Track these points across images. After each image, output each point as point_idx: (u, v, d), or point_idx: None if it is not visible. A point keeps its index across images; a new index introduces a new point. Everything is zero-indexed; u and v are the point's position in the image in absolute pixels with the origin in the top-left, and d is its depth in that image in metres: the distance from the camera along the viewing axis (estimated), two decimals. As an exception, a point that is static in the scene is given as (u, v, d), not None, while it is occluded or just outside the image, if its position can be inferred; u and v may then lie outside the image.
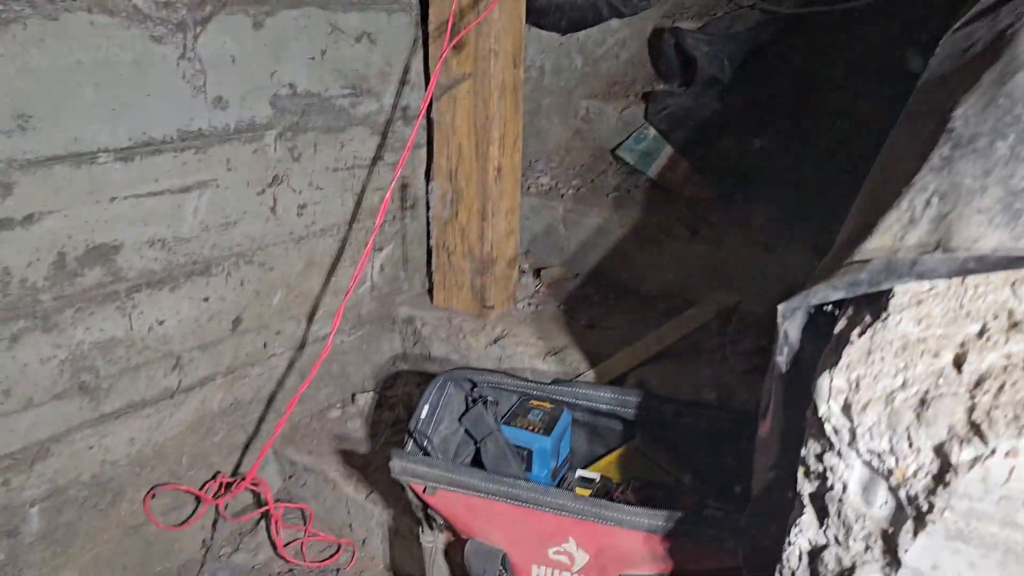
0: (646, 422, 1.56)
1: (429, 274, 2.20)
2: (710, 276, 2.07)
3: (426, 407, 1.55)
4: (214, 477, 1.84)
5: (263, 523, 1.91)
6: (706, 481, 1.49)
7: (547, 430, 1.56)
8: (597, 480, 1.57)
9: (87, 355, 1.54)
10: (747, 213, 2.19)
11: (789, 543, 0.81)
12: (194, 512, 1.81)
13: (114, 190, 1.52)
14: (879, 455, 0.71)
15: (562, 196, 2.39)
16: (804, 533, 0.80)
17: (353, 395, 2.13)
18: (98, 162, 1.49)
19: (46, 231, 1.44)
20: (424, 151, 2.14)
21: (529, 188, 2.44)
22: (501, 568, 1.34)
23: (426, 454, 1.48)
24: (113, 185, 1.52)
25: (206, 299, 1.73)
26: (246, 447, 1.90)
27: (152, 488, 1.72)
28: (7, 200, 1.37)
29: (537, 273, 2.31)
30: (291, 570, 1.81)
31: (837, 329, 0.82)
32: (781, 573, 0.83)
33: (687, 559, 1.24)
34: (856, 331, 0.77)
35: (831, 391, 0.75)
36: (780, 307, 0.81)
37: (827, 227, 0.98)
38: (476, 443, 1.57)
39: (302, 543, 1.85)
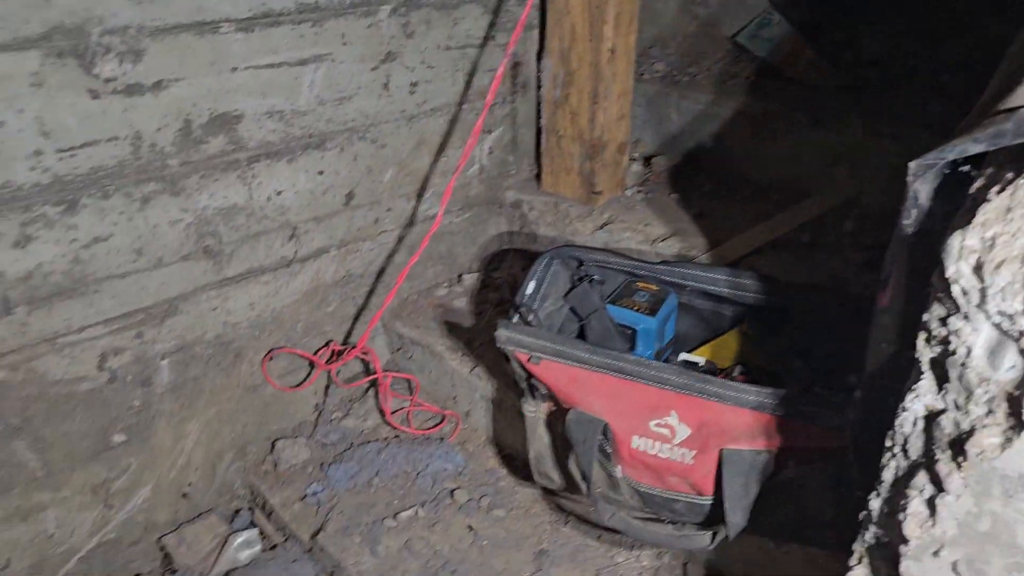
0: (756, 305, 1.53)
1: (537, 158, 2.19)
2: (830, 167, 1.98)
3: (532, 283, 1.56)
4: (326, 345, 1.92)
5: (371, 392, 2.00)
6: (814, 368, 1.46)
7: (652, 311, 1.55)
8: (701, 363, 1.56)
9: (211, 220, 1.62)
10: (873, 103, 2.07)
11: (903, 409, 0.79)
12: (308, 376, 1.90)
13: (235, 60, 1.56)
14: (1010, 316, 0.68)
15: (677, 83, 2.31)
16: (921, 399, 0.78)
17: (459, 275, 2.17)
18: (220, 32, 1.52)
19: (173, 98, 1.49)
20: (536, 32, 2.09)
21: (643, 75, 2.36)
22: (602, 437, 1.36)
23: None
24: (234, 55, 1.55)
25: (321, 173, 1.77)
26: (356, 318, 1.97)
27: (270, 351, 1.81)
28: (138, 66, 1.42)
29: (647, 161, 2.26)
30: (397, 436, 1.89)
31: (973, 189, 0.77)
32: (893, 439, 0.82)
33: (791, 437, 1.23)
34: (995, 189, 0.73)
35: (962, 251, 0.71)
36: (911, 164, 0.77)
37: (962, 118, 0.91)
38: (581, 320, 1.58)
39: (408, 412, 1.93)
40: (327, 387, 1.96)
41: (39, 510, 1.53)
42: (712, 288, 1.53)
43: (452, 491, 1.74)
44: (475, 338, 1.93)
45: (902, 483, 0.79)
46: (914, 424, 0.78)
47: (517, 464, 1.80)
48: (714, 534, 1.29)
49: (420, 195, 2.00)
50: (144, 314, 1.57)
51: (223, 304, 1.69)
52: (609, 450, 1.39)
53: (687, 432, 1.30)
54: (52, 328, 1.46)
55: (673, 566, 1.55)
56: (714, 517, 1.34)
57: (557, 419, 1.48)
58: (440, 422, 1.91)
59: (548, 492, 1.68)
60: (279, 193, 1.71)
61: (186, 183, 1.56)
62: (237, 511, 1.82)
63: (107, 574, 1.65)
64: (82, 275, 1.47)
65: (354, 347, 1.87)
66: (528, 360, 1.41)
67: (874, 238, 1.79)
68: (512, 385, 1.63)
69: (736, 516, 1.26)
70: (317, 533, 1.66)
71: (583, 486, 1.42)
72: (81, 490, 1.57)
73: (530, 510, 1.71)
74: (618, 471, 1.40)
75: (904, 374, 0.84)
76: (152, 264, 1.56)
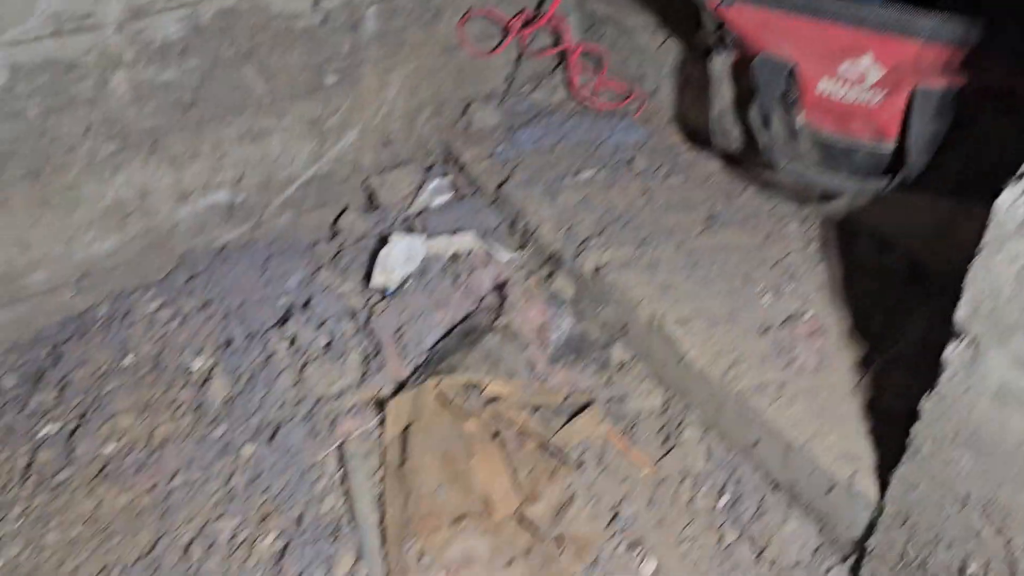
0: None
1: None
2: None
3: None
4: (519, 14, 1.95)
5: (559, 70, 2.04)
6: None
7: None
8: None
9: None
10: None
11: None
12: (500, 43, 1.96)
13: None
14: None
15: None
16: None
17: (659, -41, 2.10)
18: None
19: None
20: None
21: None
22: (788, 78, 1.35)
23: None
24: None
25: None
26: (549, -11, 1.98)
27: (466, 12, 1.87)
28: None
29: None
30: (583, 111, 1.95)
31: None
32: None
33: (989, 75, 1.17)
34: None
35: None
36: None
37: None
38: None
39: (595, 87, 1.97)
40: (518, 59, 2.01)
41: (266, 135, 1.73)
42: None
43: (631, 159, 1.80)
44: (668, 16, 1.90)
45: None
46: None
47: (698, 140, 1.82)
48: (892, 176, 1.28)
49: None
50: (349, -42, 1.66)
51: (424, -44, 1.75)
52: (792, 99, 1.38)
53: (880, 73, 1.26)
54: (271, -40, 1.58)
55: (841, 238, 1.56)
56: (894, 166, 1.33)
57: (741, 71, 1.48)
58: (626, 99, 1.94)
59: (726, 159, 1.71)
60: None
61: None
62: (431, 165, 1.97)
63: (321, 203, 1.87)
64: (297, -90, 1.55)
65: (546, 14, 1.89)
66: (719, 5, 1.39)
67: None
68: (702, 56, 1.63)
69: (919, 155, 1.24)
70: (502, 184, 1.79)
71: (763, 136, 1.43)
72: (300, 121, 1.75)
73: (707, 181, 1.75)
74: (800, 119, 1.40)
75: None
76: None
